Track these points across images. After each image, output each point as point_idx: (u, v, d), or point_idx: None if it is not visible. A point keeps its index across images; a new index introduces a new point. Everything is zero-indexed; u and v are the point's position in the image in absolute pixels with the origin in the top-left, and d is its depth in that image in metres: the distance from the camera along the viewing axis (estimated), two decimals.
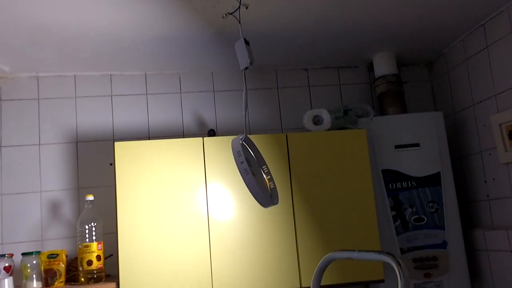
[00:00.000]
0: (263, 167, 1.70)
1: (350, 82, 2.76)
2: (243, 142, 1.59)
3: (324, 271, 1.43)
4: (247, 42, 1.58)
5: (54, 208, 2.38)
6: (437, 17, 2.23)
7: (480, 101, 2.38)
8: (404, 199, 2.37)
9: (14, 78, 2.45)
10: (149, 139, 2.49)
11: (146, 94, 2.58)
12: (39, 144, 2.42)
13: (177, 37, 2.19)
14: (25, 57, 2.27)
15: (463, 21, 2.29)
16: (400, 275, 1.18)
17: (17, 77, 2.45)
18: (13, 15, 1.86)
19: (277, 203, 1.63)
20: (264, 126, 2.64)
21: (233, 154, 1.53)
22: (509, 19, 2.14)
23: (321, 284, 1.43)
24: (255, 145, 1.69)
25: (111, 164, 2.41)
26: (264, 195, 1.54)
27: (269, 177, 1.69)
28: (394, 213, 2.36)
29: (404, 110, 2.58)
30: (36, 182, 2.39)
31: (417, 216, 2.36)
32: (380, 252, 1.29)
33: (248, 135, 1.65)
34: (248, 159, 1.55)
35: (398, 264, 1.21)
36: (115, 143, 2.08)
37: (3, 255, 2.05)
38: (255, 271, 2.09)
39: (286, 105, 2.69)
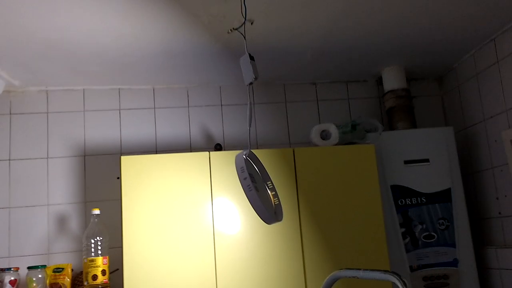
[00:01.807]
0: (268, 182, 1.67)
1: (359, 97, 2.74)
2: (247, 158, 1.57)
3: None
4: (252, 58, 1.58)
5: (61, 221, 2.39)
6: (446, 32, 2.20)
7: (491, 117, 2.34)
8: (414, 215, 2.33)
9: (23, 92, 2.48)
10: (156, 153, 2.49)
11: (154, 108, 2.58)
12: (47, 158, 2.44)
13: (185, 51, 2.19)
14: (35, 71, 2.29)
15: (473, 35, 2.27)
16: None
17: (27, 91, 2.48)
18: (23, 30, 1.88)
19: (281, 219, 1.60)
20: (272, 141, 2.62)
21: (237, 170, 1.51)
22: None
23: None
24: (259, 160, 1.67)
25: (118, 178, 2.41)
26: (267, 211, 1.51)
27: (273, 193, 1.67)
28: (403, 229, 2.31)
29: (413, 125, 2.55)
30: (44, 196, 2.40)
31: (427, 233, 2.32)
32: (385, 271, 1.25)
33: (255, 150, 1.63)
34: (252, 174, 1.54)
35: (404, 284, 1.17)
36: (122, 157, 2.08)
37: (9, 269, 2.06)
38: (261, 287, 2.05)
39: (294, 119, 2.67)
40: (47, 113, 2.48)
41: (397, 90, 2.55)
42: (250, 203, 1.49)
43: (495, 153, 2.32)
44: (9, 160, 2.41)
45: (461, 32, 2.22)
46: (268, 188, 1.66)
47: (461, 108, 2.61)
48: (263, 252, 2.09)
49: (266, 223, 1.54)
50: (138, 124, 2.55)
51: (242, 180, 1.48)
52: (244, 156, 1.53)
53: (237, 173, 1.50)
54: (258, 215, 1.50)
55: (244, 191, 1.48)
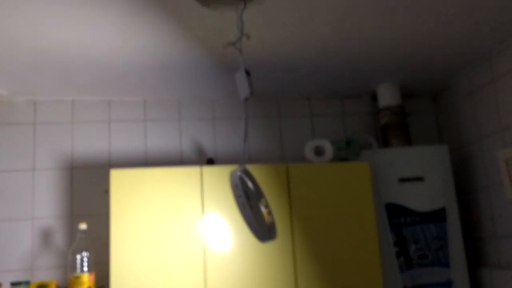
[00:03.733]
0: (262, 200, 1.64)
1: (353, 113, 2.72)
2: (242, 174, 1.53)
3: None
4: (248, 73, 1.54)
5: (46, 236, 2.31)
6: (441, 49, 2.19)
7: (487, 136, 2.32)
8: (408, 234, 2.29)
9: (10, 102, 2.41)
10: (146, 166, 2.44)
11: (145, 120, 2.53)
12: (33, 170, 2.37)
13: (178, 64, 2.16)
14: (23, 81, 2.23)
15: (468, 54, 2.26)
16: None
17: (14, 101, 2.42)
18: (12, 39, 1.83)
19: (275, 238, 1.56)
20: (264, 156, 2.58)
21: (231, 187, 1.47)
22: None
23: None
24: (254, 177, 1.63)
25: (105, 192, 2.35)
26: (261, 229, 1.48)
27: (267, 210, 1.63)
28: (397, 249, 2.28)
29: (408, 142, 2.52)
30: (28, 209, 2.32)
31: (422, 253, 2.28)
32: None
33: (248, 166, 1.60)
34: (246, 191, 1.50)
35: None
36: (111, 170, 2.03)
37: None
38: None
39: (288, 134, 2.64)
40: (34, 124, 2.42)
41: (392, 107, 2.53)
42: (245, 221, 1.45)
43: (490, 172, 2.30)
44: None
45: (456, 50, 2.21)
46: (262, 206, 1.62)
47: (456, 126, 2.59)
48: (255, 269, 2.04)
49: (260, 241, 1.50)
50: (128, 136, 2.49)
51: (237, 198, 1.44)
52: (238, 173, 1.50)
53: (232, 190, 1.46)
54: (252, 233, 1.46)
55: (239, 209, 1.44)
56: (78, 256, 2.04)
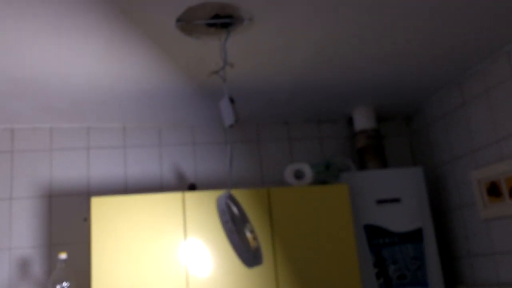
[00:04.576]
0: (247, 225, 1.65)
1: (330, 136, 2.78)
2: (228, 200, 1.55)
3: None
4: (232, 100, 1.57)
5: (24, 266, 2.25)
6: (413, 74, 2.28)
7: (459, 157, 2.41)
8: (387, 255, 2.34)
9: None
10: (126, 193, 2.42)
11: (124, 147, 2.52)
12: (11, 198, 2.32)
13: (159, 90, 2.17)
14: (0, 109, 2.20)
15: (439, 77, 2.35)
16: None
17: None
18: None
19: (261, 263, 1.58)
20: (245, 179, 2.59)
21: (218, 213, 1.49)
22: (484, 78, 2.20)
23: None
24: (239, 203, 1.65)
25: (85, 220, 2.32)
26: (249, 255, 1.49)
27: (253, 235, 1.64)
28: (377, 270, 2.31)
29: (384, 164, 2.59)
30: (6, 238, 2.26)
31: (400, 273, 2.32)
32: None
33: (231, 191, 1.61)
34: (232, 217, 1.51)
35: None
36: (92, 198, 2.01)
37: None
38: None
39: (267, 158, 2.67)
40: (12, 152, 2.38)
41: (368, 130, 2.59)
42: (232, 247, 1.46)
43: (464, 192, 2.38)
44: None
45: (428, 73, 2.30)
46: (248, 231, 1.64)
47: (430, 148, 2.68)
48: None
49: (247, 266, 1.51)
50: (107, 163, 2.47)
51: (224, 223, 1.45)
52: (225, 199, 1.51)
53: (219, 216, 1.48)
54: (240, 258, 1.48)
55: (226, 235, 1.46)
56: (58, 286, 2.00)
